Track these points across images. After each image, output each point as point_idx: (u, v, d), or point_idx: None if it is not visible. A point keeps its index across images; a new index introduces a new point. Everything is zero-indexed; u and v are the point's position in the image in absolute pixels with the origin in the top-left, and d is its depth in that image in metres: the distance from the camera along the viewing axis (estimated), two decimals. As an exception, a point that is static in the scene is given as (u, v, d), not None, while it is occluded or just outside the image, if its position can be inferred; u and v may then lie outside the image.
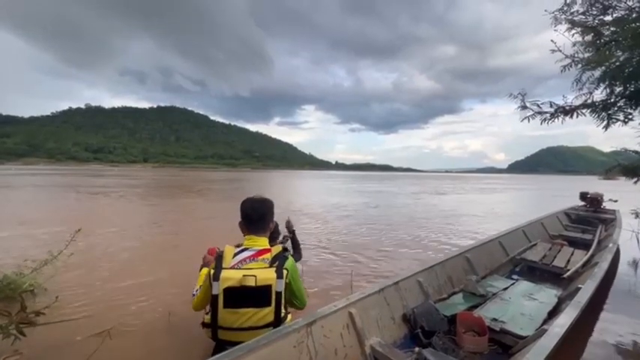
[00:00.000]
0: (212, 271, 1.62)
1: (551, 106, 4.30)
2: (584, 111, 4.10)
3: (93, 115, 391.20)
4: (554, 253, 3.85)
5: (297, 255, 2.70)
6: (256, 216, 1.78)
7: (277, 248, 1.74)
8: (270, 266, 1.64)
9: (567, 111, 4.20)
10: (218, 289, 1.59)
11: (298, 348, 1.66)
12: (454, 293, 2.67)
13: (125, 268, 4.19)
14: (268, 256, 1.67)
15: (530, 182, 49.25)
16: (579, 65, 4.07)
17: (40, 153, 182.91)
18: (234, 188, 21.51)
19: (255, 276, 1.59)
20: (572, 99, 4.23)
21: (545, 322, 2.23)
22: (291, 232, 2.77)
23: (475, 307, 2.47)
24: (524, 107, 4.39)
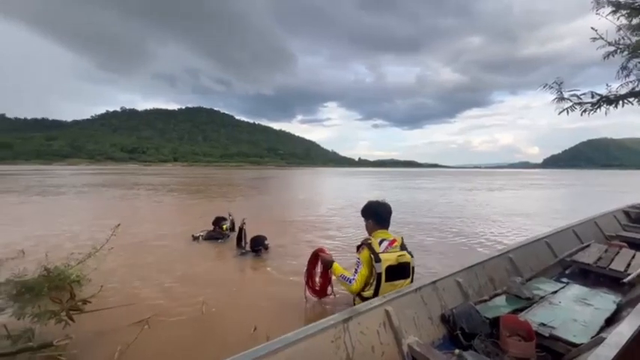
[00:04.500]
0: (372, 256, 2.24)
1: (592, 96, 3.94)
2: (631, 100, 3.73)
3: (127, 117, 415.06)
4: (611, 256, 3.49)
5: (243, 243, 4.82)
6: (386, 215, 2.48)
7: (399, 238, 2.43)
8: (401, 250, 2.34)
9: (612, 100, 3.85)
10: (381, 268, 2.21)
11: (336, 343, 1.65)
12: (496, 295, 2.51)
13: (165, 260, 4.38)
14: (397, 244, 2.37)
15: (576, 178, 44.98)
16: (625, 52, 3.69)
17: (81, 154, 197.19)
18: (293, 185, 22.48)
19: (407, 254, 2.34)
20: (617, 87, 3.87)
21: (602, 329, 2.03)
22: (242, 227, 4.85)
23: (520, 310, 2.30)
24: (561, 98, 4.05)
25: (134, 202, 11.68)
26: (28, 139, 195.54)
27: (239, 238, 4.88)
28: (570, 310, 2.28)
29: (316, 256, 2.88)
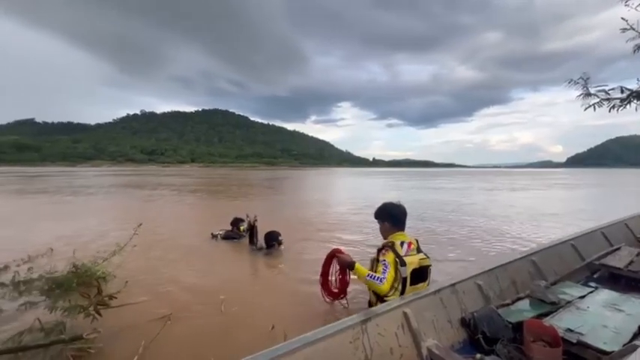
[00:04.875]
0: (397, 260, 2.18)
1: (622, 91, 3.75)
2: None
3: (147, 120, 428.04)
4: None
5: (255, 240, 4.97)
6: (402, 217, 2.44)
7: (415, 240, 2.38)
8: (418, 252, 2.32)
9: (643, 95, 3.63)
10: (406, 272, 2.15)
11: (354, 344, 1.65)
12: (519, 299, 2.43)
13: (185, 258, 4.51)
14: (413, 246, 2.34)
15: (603, 177, 42.49)
16: None
17: (104, 156, 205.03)
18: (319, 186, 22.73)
19: (427, 257, 2.33)
20: None
21: (635, 337, 1.93)
22: (254, 225, 5.00)
23: (544, 315, 2.22)
24: (587, 94, 3.88)
25: (158, 202, 12.08)
26: (55, 142, 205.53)
27: (251, 235, 5.02)
28: (600, 315, 2.18)
29: (332, 257, 2.77)
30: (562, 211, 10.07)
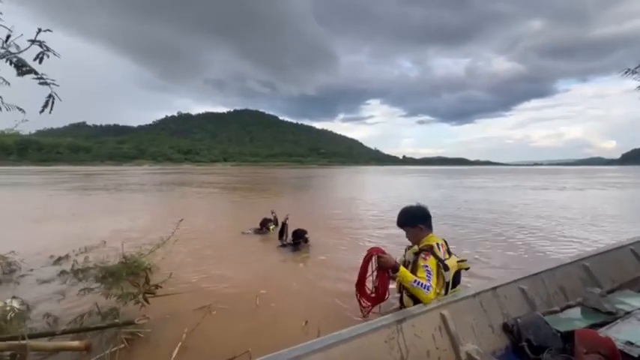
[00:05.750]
0: (440, 264, 2.04)
1: None
2: None
3: (183, 121, 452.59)
4: None
5: (285, 236, 5.14)
6: (430, 217, 2.30)
7: (444, 241, 2.23)
8: (449, 254, 2.18)
9: None
10: (449, 276, 2.04)
11: (389, 344, 1.64)
12: (569, 307, 2.26)
13: (222, 252, 4.71)
14: (444, 248, 2.18)
15: None
16: None
17: (145, 156, 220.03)
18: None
19: (464, 260, 2.20)
20: None
21: None
22: (285, 222, 5.21)
23: (599, 325, 2.04)
24: None
25: (206, 199, 12.87)
26: (103, 143, 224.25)
27: (281, 232, 5.23)
28: (666, 329, 1.96)
29: (370, 258, 2.40)
30: (633, 215, 9.04)
